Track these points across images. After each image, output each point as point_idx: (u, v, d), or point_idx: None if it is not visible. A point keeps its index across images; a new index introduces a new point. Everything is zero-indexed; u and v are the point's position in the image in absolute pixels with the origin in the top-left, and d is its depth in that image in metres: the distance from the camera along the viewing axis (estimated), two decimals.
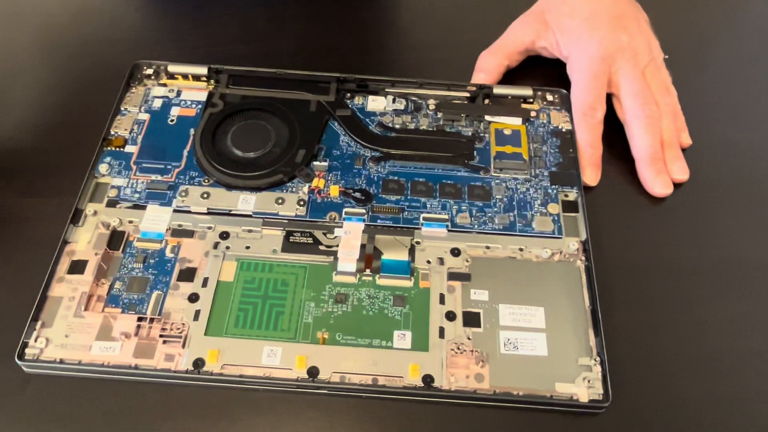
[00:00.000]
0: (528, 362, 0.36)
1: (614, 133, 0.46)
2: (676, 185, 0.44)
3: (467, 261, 0.39)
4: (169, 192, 0.41)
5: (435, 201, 0.41)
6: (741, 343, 0.38)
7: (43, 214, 0.41)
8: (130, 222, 0.40)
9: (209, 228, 0.40)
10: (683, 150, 0.45)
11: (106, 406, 0.35)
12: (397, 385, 0.35)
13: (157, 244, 0.39)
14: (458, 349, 0.36)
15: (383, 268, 0.39)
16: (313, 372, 0.35)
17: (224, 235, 0.40)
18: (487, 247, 0.40)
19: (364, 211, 0.41)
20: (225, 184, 0.42)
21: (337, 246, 0.39)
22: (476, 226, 0.40)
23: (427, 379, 0.35)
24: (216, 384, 0.35)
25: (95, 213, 0.40)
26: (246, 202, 0.41)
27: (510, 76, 0.49)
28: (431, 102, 0.46)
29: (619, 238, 0.41)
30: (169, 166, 0.42)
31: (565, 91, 0.47)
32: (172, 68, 0.47)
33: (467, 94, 0.47)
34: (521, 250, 0.40)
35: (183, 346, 0.35)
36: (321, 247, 0.39)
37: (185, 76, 0.47)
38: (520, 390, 0.35)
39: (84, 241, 0.39)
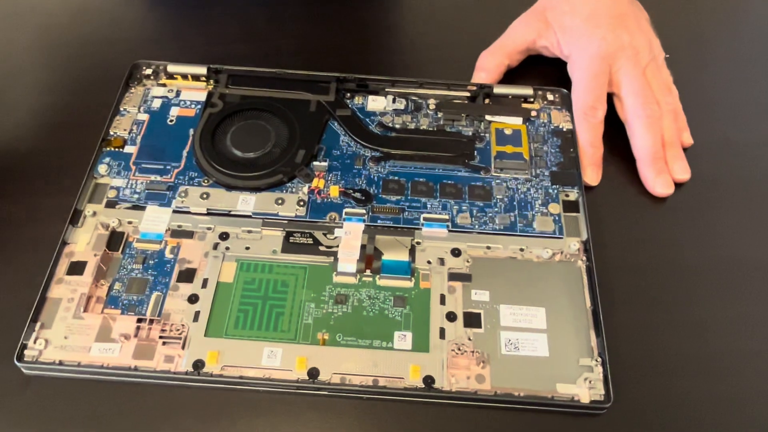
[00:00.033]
0: (529, 363, 0.35)
1: (615, 132, 0.45)
2: (678, 185, 0.44)
3: (468, 261, 0.39)
4: (168, 192, 0.41)
5: (435, 201, 0.41)
6: (742, 343, 0.38)
7: (42, 214, 0.41)
8: (130, 223, 0.40)
9: (209, 229, 0.40)
10: (684, 149, 0.45)
11: (106, 408, 0.34)
12: (398, 387, 0.35)
13: (156, 245, 0.39)
14: (459, 349, 0.36)
15: (383, 268, 0.38)
16: (313, 373, 0.35)
17: (224, 236, 0.40)
18: (488, 248, 0.40)
19: (364, 211, 0.41)
20: (224, 184, 0.42)
21: (337, 246, 0.39)
22: (477, 227, 0.40)
23: (428, 380, 0.35)
24: (216, 385, 0.35)
25: (94, 214, 0.40)
26: (246, 202, 0.41)
27: (510, 76, 0.49)
28: (431, 102, 0.46)
29: (620, 238, 0.41)
30: (168, 167, 0.42)
31: (565, 90, 0.47)
32: (172, 68, 0.47)
33: (468, 94, 0.47)
34: (522, 250, 0.40)
35: (183, 347, 0.35)
36: (321, 248, 0.39)
37: (184, 76, 0.47)
38: (522, 391, 0.34)
39: (83, 242, 0.39)
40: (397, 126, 0.45)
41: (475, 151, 0.44)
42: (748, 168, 0.45)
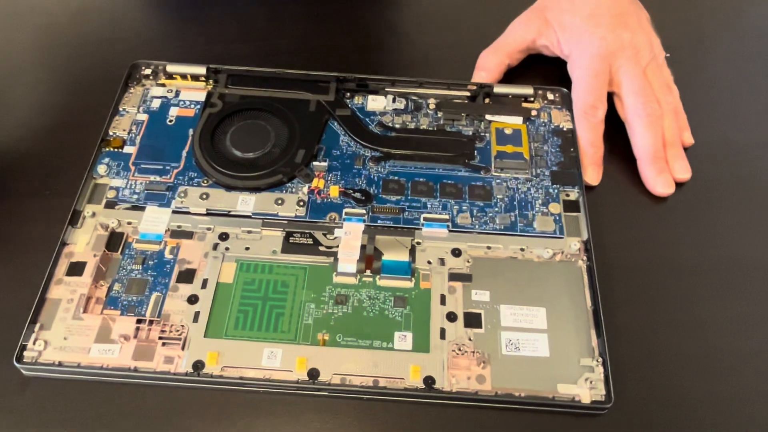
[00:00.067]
0: (530, 363, 0.35)
1: (615, 132, 0.45)
2: (678, 184, 0.44)
3: (468, 261, 0.39)
4: (167, 193, 0.41)
5: (435, 201, 0.41)
6: (743, 342, 0.38)
7: (41, 215, 0.41)
8: (129, 223, 0.40)
9: (208, 229, 0.40)
10: (685, 149, 0.45)
11: (105, 409, 0.34)
12: (398, 387, 0.34)
13: (156, 246, 0.39)
14: (459, 350, 0.36)
15: (384, 268, 0.38)
16: (313, 374, 0.35)
17: (223, 236, 0.40)
18: (488, 248, 0.40)
19: (364, 211, 0.41)
20: (224, 184, 0.41)
21: (337, 247, 0.39)
22: (477, 226, 0.40)
23: (429, 381, 0.35)
24: (216, 386, 0.35)
25: (94, 214, 0.40)
26: (245, 202, 0.41)
27: (511, 75, 0.49)
28: (431, 101, 0.46)
29: (620, 237, 0.41)
30: (167, 167, 0.42)
31: (566, 89, 0.47)
32: (171, 68, 0.47)
33: (468, 93, 0.47)
34: (522, 250, 0.40)
35: (182, 348, 0.35)
36: (321, 248, 0.39)
37: (184, 76, 0.47)
38: (522, 391, 0.34)
39: (82, 242, 0.39)
40: (397, 126, 0.45)
41: (476, 151, 0.44)
42: (749, 168, 0.45)
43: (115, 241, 0.39)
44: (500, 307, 0.37)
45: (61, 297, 0.37)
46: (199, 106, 0.45)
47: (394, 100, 0.46)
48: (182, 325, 0.36)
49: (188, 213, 0.40)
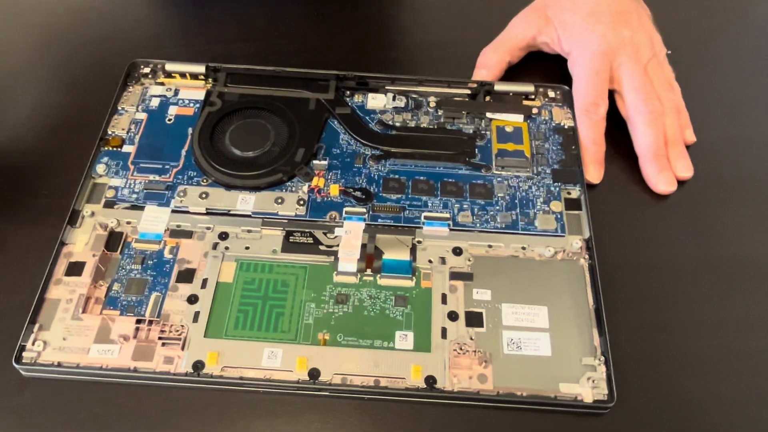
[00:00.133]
0: (531, 362, 0.35)
1: (617, 129, 0.45)
2: (680, 182, 0.43)
3: (469, 260, 0.39)
4: (167, 192, 0.41)
5: (436, 199, 0.41)
6: (746, 342, 0.37)
7: (40, 215, 0.41)
8: (128, 223, 0.40)
9: (208, 228, 0.40)
10: (687, 147, 0.45)
11: (105, 410, 0.34)
12: (400, 387, 0.34)
13: (155, 245, 0.39)
14: (461, 349, 0.35)
15: (384, 267, 0.38)
16: (314, 374, 0.34)
17: (223, 236, 0.39)
18: (490, 246, 0.39)
19: (364, 210, 0.40)
20: (224, 183, 0.41)
21: (338, 246, 0.39)
22: (478, 225, 0.40)
23: (430, 380, 0.34)
24: (216, 386, 0.35)
25: (92, 214, 0.40)
26: (245, 202, 0.40)
27: (511, 73, 0.49)
28: (432, 99, 0.46)
29: (622, 235, 0.41)
30: (167, 166, 0.42)
31: (567, 87, 0.46)
32: (170, 67, 0.46)
33: (468, 91, 0.46)
34: (524, 248, 0.39)
35: (182, 348, 0.35)
36: (321, 247, 0.39)
37: (183, 75, 0.46)
38: (524, 391, 0.34)
39: (81, 242, 0.39)
40: (398, 124, 0.45)
41: (476, 149, 0.43)
42: (751, 165, 0.45)
43: (114, 240, 0.39)
44: (502, 306, 0.37)
45: (60, 297, 0.37)
46: (198, 105, 0.45)
47: (394, 99, 0.46)
48: (182, 325, 0.36)
49: (188, 212, 0.40)
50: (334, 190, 0.41)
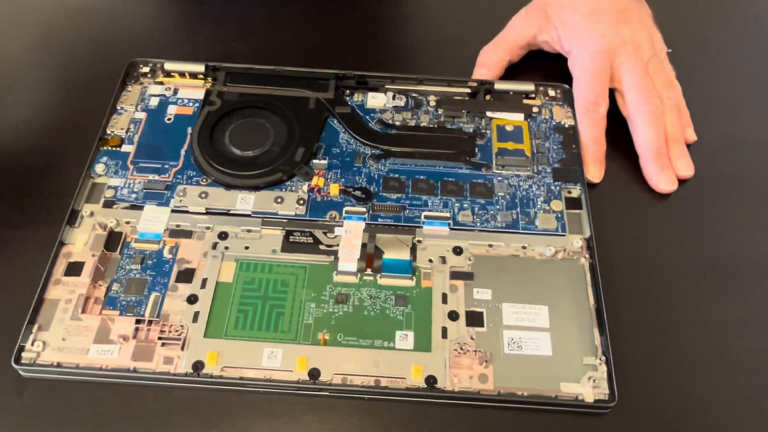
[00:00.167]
0: (532, 362, 0.35)
1: (617, 128, 0.45)
2: (681, 181, 0.43)
3: (470, 259, 0.39)
4: (166, 192, 0.41)
5: (436, 199, 0.41)
6: (747, 342, 0.37)
7: (39, 215, 0.41)
8: (128, 223, 0.40)
9: (208, 228, 0.39)
10: (688, 146, 0.45)
11: (104, 410, 0.34)
12: (400, 387, 0.34)
13: (154, 245, 0.39)
14: (461, 349, 0.35)
15: (384, 267, 0.38)
16: (314, 374, 0.34)
17: (223, 236, 0.39)
18: (490, 246, 0.39)
19: (364, 209, 0.40)
20: (223, 183, 0.41)
21: (338, 245, 0.39)
22: (478, 224, 0.40)
23: (430, 380, 0.34)
24: (216, 387, 0.35)
25: (92, 214, 0.40)
26: (245, 201, 0.40)
27: (511, 72, 0.49)
28: (432, 98, 0.46)
29: (623, 235, 0.41)
30: (166, 166, 0.42)
31: (567, 86, 0.46)
32: (169, 66, 0.46)
33: (468, 90, 0.46)
34: (524, 248, 0.39)
35: (182, 348, 0.35)
36: (321, 247, 0.39)
37: (182, 74, 0.46)
38: (525, 390, 0.34)
39: (81, 242, 0.39)
40: (397, 123, 0.45)
41: (476, 148, 0.43)
42: (752, 164, 0.45)
43: (113, 240, 0.39)
44: (502, 306, 0.37)
45: (60, 297, 0.36)
46: (197, 104, 0.45)
47: (394, 98, 0.46)
48: (182, 325, 0.36)
49: (187, 212, 0.40)
50: (334, 189, 0.41)
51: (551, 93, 0.46)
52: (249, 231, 0.40)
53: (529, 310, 0.37)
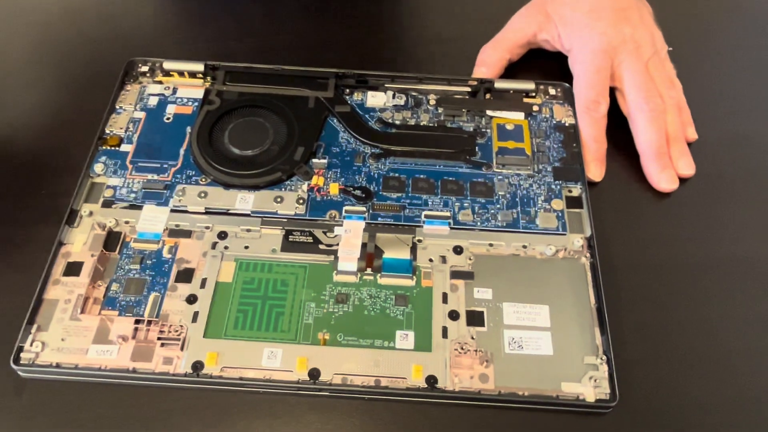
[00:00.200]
0: (533, 362, 0.35)
1: (618, 127, 0.45)
2: (682, 180, 0.43)
3: (470, 259, 0.39)
4: (165, 191, 0.41)
5: (437, 198, 0.41)
6: (749, 341, 0.37)
7: (38, 215, 0.41)
8: (127, 222, 0.39)
9: (207, 228, 0.39)
10: (689, 144, 0.45)
11: (104, 411, 0.34)
12: (400, 387, 0.34)
13: (154, 245, 0.39)
14: (462, 348, 0.35)
15: (384, 267, 0.38)
16: (314, 374, 0.34)
17: (222, 235, 0.39)
18: (491, 245, 0.39)
19: (364, 209, 0.40)
20: (223, 182, 0.41)
21: (338, 245, 0.38)
22: (479, 224, 0.40)
23: (431, 380, 0.34)
24: (215, 387, 0.34)
25: (91, 213, 0.40)
26: (244, 201, 0.40)
27: (512, 70, 0.49)
28: (432, 97, 0.46)
29: (624, 234, 0.41)
30: (165, 165, 0.42)
31: (567, 84, 0.46)
32: (168, 65, 0.46)
33: (468, 89, 0.46)
34: (525, 247, 0.39)
35: (181, 348, 0.35)
36: (321, 247, 0.39)
37: (181, 73, 0.46)
38: (526, 390, 0.34)
39: (79, 242, 0.38)
40: (397, 122, 0.44)
41: (477, 147, 0.43)
42: (753, 163, 0.45)
43: (112, 240, 0.39)
44: (503, 305, 0.37)
45: (59, 297, 0.36)
46: (196, 104, 0.45)
47: (393, 96, 0.46)
48: (181, 326, 0.36)
49: (186, 212, 0.40)
50: (334, 188, 0.41)
51: (552, 91, 0.46)
52: (248, 230, 0.39)
53: (530, 309, 0.37)
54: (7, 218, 0.41)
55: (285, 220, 0.40)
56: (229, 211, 0.40)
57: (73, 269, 0.37)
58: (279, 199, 0.40)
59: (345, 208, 0.40)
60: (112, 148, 0.43)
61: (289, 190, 0.41)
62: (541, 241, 0.39)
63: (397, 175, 0.42)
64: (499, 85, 0.46)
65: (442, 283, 0.37)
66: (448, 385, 0.34)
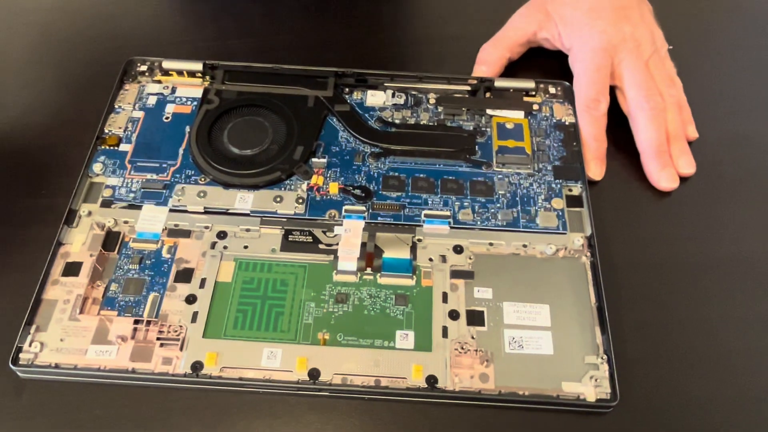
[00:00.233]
0: (533, 361, 0.35)
1: (618, 126, 0.45)
2: (682, 179, 0.43)
3: (470, 258, 0.38)
4: (164, 191, 0.41)
5: (436, 197, 0.41)
6: (750, 341, 0.37)
7: (37, 215, 0.41)
8: (126, 222, 0.39)
9: (206, 227, 0.39)
10: (689, 143, 0.45)
11: (103, 411, 0.34)
12: (400, 387, 0.34)
13: (153, 245, 0.39)
14: (462, 348, 0.35)
15: (384, 266, 0.38)
16: (314, 374, 0.34)
17: (222, 235, 0.39)
18: (491, 244, 0.39)
19: (364, 208, 0.40)
20: (222, 182, 0.41)
21: (337, 244, 0.38)
22: (479, 223, 0.40)
23: (431, 380, 0.34)
24: (215, 387, 0.34)
25: (89, 213, 0.40)
26: (243, 200, 0.40)
27: (512, 69, 0.49)
28: (431, 96, 0.46)
29: (624, 233, 0.41)
30: (164, 165, 0.42)
31: (567, 83, 0.46)
32: (167, 64, 0.46)
33: (468, 88, 0.46)
34: (525, 246, 0.39)
35: (181, 348, 0.35)
36: (321, 246, 0.39)
37: (180, 73, 0.46)
38: (526, 390, 0.34)
39: (78, 242, 0.38)
40: (397, 121, 0.44)
41: (477, 146, 0.43)
42: (754, 162, 0.44)
43: (111, 240, 0.39)
44: (503, 305, 0.37)
45: (57, 298, 0.36)
46: (195, 103, 0.45)
47: (393, 95, 0.46)
48: (180, 326, 0.35)
49: (185, 211, 0.40)
50: (334, 188, 0.41)
51: (552, 90, 0.46)
52: (248, 230, 0.39)
53: (530, 308, 0.37)
54: (5, 218, 0.41)
55: (284, 219, 0.40)
56: (229, 211, 0.40)
57: (71, 269, 0.37)
58: (278, 199, 0.40)
59: (345, 207, 0.40)
60: (111, 148, 0.42)
61: (289, 190, 0.41)
62: (541, 241, 0.39)
63: (396, 174, 0.42)
64: (499, 83, 0.46)
65: (442, 283, 0.37)
66: (449, 384, 0.34)
